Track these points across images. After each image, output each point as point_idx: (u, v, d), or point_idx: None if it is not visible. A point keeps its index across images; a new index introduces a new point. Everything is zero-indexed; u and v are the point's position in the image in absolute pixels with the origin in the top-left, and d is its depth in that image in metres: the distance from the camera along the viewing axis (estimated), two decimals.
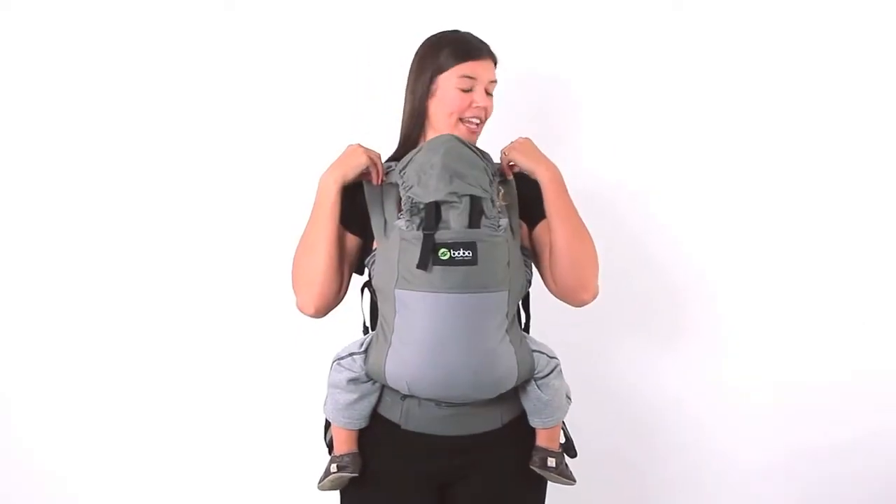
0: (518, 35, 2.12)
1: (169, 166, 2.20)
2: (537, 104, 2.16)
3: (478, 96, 1.61)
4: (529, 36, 2.13)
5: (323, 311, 1.57)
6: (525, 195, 1.61)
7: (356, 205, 1.58)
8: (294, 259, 1.59)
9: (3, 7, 2.18)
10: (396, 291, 1.47)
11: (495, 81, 1.65)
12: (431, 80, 1.62)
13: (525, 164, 1.57)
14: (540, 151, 1.60)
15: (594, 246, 1.58)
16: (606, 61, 2.15)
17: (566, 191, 1.58)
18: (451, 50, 1.62)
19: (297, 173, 2.13)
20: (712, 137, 2.16)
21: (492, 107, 1.66)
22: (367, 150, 1.55)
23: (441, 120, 1.62)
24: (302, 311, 1.58)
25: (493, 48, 1.66)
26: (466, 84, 1.60)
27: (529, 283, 1.59)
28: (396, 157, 1.68)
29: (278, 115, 2.17)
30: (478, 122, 1.63)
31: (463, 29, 1.68)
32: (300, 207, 2.02)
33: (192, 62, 2.17)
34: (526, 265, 1.58)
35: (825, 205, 2.18)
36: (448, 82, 1.61)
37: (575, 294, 1.57)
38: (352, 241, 1.60)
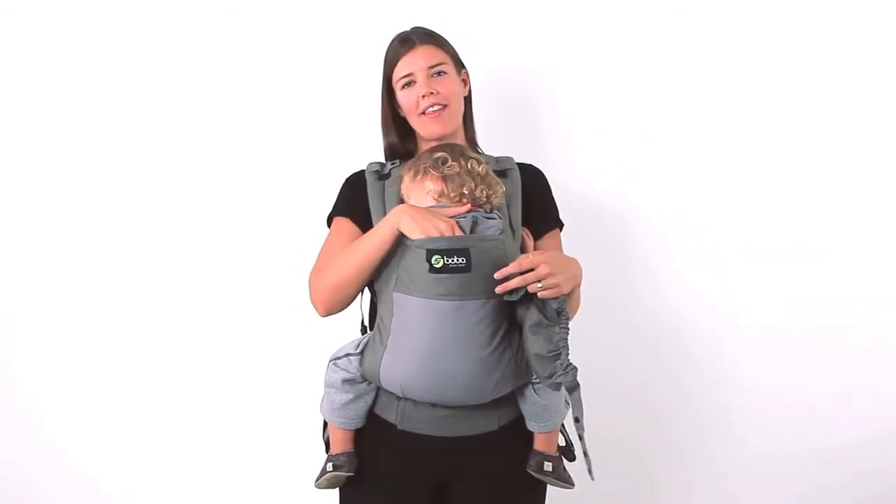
0: (509, 32, 2.12)
1: (170, 166, 2.20)
2: (529, 103, 2.17)
3: (420, 87, 1.61)
4: (522, 33, 2.13)
5: (330, 312, 1.56)
6: (530, 192, 1.61)
7: (360, 199, 1.59)
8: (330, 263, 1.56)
9: (4, 8, 2.17)
10: (394, 294, 1.47)
11: (439, 64, 1.62)
12: (389, 88, 1.68)
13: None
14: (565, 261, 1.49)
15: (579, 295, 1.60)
16: (596, 58, 2.13)
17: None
18: (387, 55, 1.67)
19: (297, 174, 2.16)
20: (704, 138, 2.13)
21: (449, 86, 1.62)
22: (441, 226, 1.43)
23: (409, 120, 1.66)
24: (314, 305, 1.57)
25: (428, 30, 1.67)
26: (405, 81, 1.63)
27: None
28: (392, 156, 1.70)
29: (277, 116, 2.17)
30: (437, 108, 1.61)
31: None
32: (301, 208, 2.05)
33: (192, 63, 2.17)
34: None
35: (825, 209, 2.15)
36: (396, 86, 1.65)
37: None
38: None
